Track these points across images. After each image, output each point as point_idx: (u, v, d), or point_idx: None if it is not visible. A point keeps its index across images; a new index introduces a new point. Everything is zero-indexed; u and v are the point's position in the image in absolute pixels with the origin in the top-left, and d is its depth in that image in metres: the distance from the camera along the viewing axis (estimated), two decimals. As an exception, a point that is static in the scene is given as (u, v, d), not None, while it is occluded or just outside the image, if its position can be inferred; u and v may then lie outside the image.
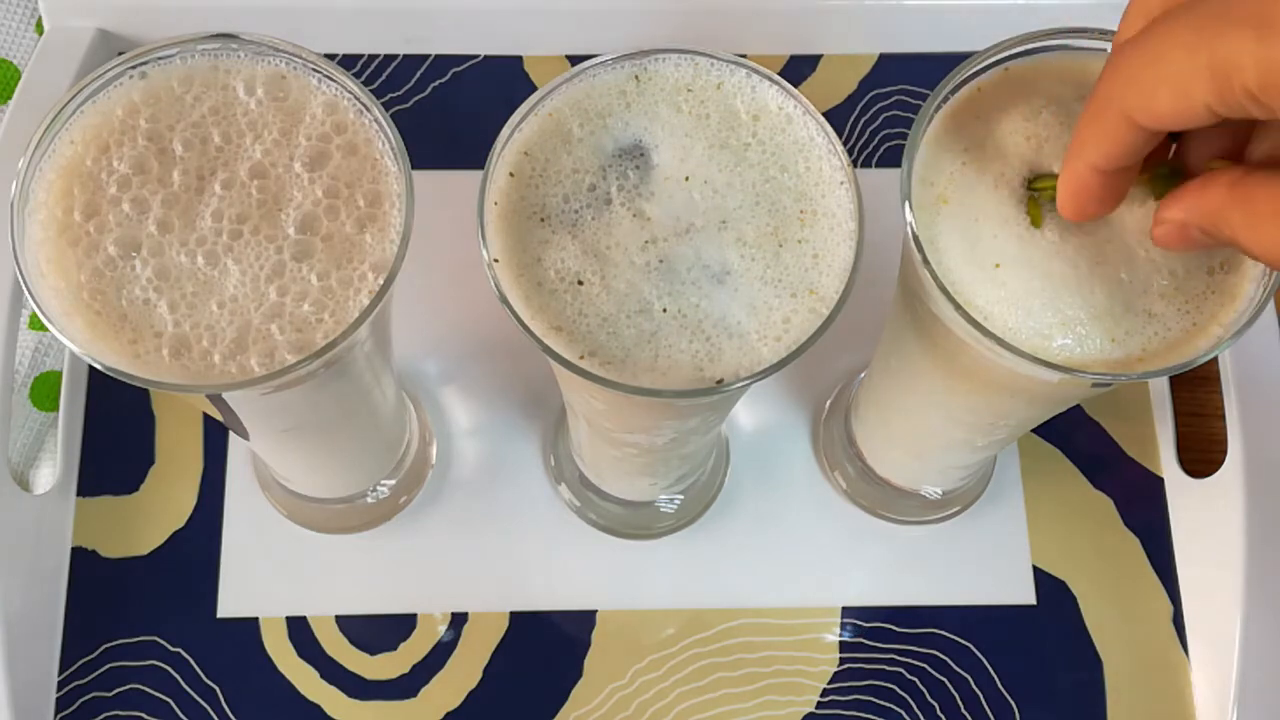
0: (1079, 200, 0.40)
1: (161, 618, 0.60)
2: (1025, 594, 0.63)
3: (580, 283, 0.42)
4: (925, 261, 0.42)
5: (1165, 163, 0.41)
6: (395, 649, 0.61)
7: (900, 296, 0.50)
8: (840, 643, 0.61)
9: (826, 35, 0.72)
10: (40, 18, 0.69)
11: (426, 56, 0.71)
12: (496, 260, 0.42)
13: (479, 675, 0.60)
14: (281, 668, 0.60)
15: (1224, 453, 0.61)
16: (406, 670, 0.60)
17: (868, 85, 0.72)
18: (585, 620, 0.61)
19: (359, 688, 0.60)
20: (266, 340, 0.41)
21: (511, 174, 0.43)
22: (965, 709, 0.60)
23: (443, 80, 0.71)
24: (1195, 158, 0.40)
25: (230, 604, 0.61)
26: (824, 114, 0.44)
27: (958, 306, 0.42)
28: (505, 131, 0.43)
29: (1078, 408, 0.66)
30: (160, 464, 0.63)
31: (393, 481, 0.62)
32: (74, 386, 0.64)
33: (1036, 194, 0.43)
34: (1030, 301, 0.42)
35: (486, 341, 0.66)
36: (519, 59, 0.72)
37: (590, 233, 0.42)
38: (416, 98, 0.70)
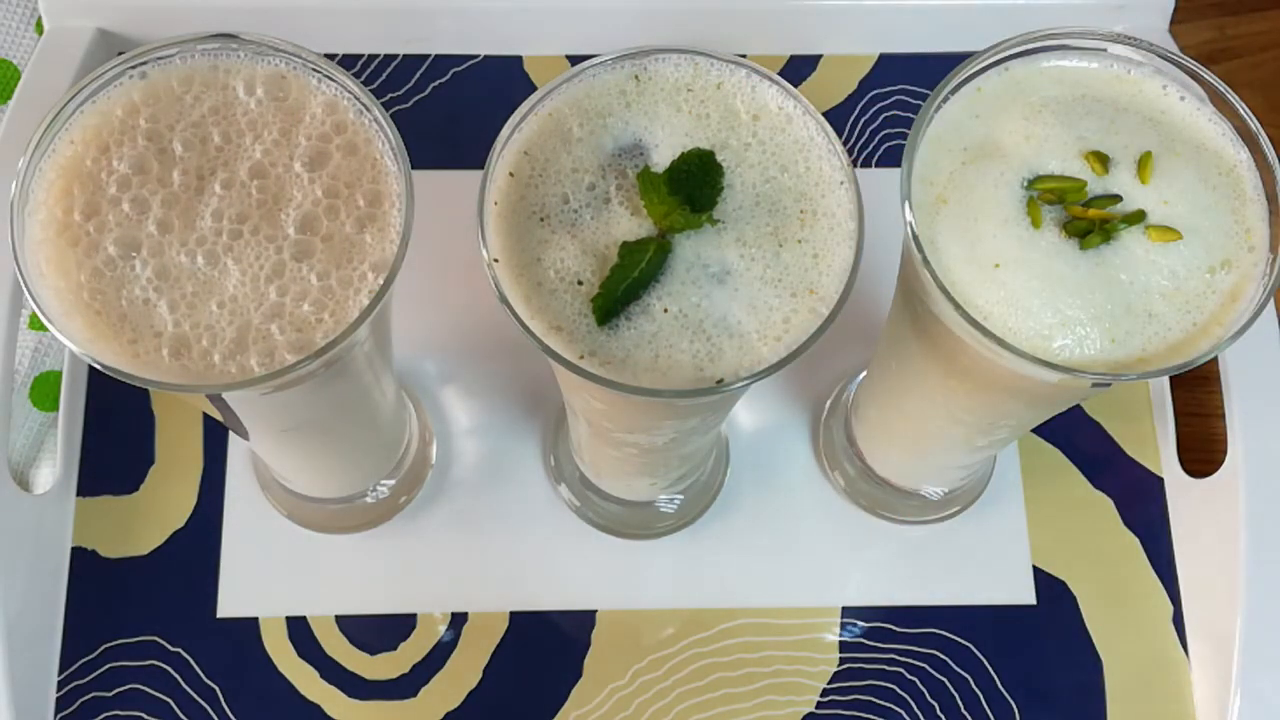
0: None
1: (161, 618, 0.60)
2: (1025, 594, 0.62)
3: (580, 283, 0.42)
4: (925, 261, 0.42)
5: None
6: (395, 649, 0.61)
7: (900, 296, 0.50)
8: (840, 643, 0.61)
9: (826, 35, 0.72)
10: (40, 18, 0.69)
11: (426, 56, 0.71)
12: (496, 260, 0.42)
13: (479, 675, 0.60)
14: (281, 668, 0.60)
15: (1224, 453, 0.61)
16: (406, 670, 0.60)
17: (868, 85, 0.72)
18: (585, 620, 0.61)
19: (359, 688, 0.60)
20: (266, 340, 0.41)
21: (511, 174, 0.43)
22: (965, 709, 0.60)
23: (443, 80, 0.71)
24: None
25: (230, 604, 0.61)
26: (824, 114, 0.44)
27: (958, 306, 0.42)
28: (505, 131, 0.43)
29: (1078, 408, 0.65)
30: (160, 464, 0.63)
31: (393, 481, 0.62)
32: (74, 386, 0.63)
33: (1036, 194, 0.43)
34: (1030, 301, 0.42)
35: (486, 341, 0.66)
36: (519, 59, 0.72)
37: (590, 232, 0.42)
38: (416, 98, 0.70)
